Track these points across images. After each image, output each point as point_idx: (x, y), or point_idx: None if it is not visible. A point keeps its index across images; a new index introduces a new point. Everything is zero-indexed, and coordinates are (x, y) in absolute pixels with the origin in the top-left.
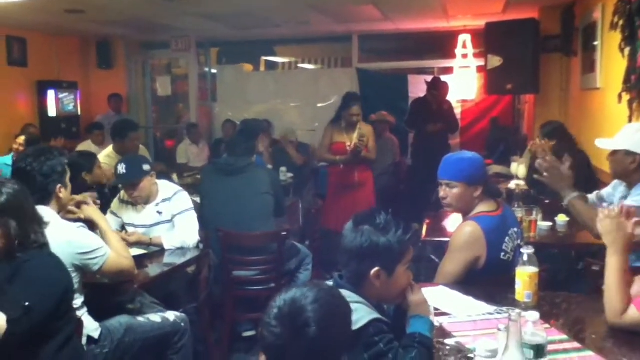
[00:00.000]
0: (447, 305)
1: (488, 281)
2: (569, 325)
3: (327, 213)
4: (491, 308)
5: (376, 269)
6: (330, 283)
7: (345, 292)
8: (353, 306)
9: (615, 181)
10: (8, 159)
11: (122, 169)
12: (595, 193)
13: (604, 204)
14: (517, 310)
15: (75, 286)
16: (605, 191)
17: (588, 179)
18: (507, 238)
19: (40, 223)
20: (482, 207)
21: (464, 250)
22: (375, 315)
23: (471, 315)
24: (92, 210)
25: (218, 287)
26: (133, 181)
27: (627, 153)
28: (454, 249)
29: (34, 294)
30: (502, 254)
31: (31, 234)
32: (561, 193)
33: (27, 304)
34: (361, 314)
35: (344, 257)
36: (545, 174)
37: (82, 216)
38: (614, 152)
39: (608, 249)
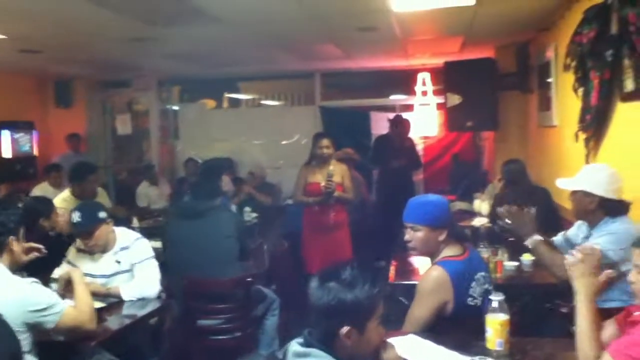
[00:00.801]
0: (419, 356)
1: (458, 328)
2: None
3: (307, 257)
4: (464, 358)
5: (346, 328)
6: (300, 340)
7: (315, 352)
8: None
9: (579, 221)
10: None
11: (76, 217)
12: (562, 234)
13: (575, 249)
14: None
15: (27, 347)
16: (570, 232)
17: (548, 216)
18: (473, 283)
19: None
20: (448, 252)
21: (431, 295)
22: None
23: None
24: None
25: (183, 337)
26: (88, 229)
27: (586, 194)
28: (422, 294)
29: None
30: (470, 299)
31: None
32: (524, 237)
33: None
34: None
35: (313, 315)
36: (507, 220)
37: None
38: (574, 192)
39: (578, 294)
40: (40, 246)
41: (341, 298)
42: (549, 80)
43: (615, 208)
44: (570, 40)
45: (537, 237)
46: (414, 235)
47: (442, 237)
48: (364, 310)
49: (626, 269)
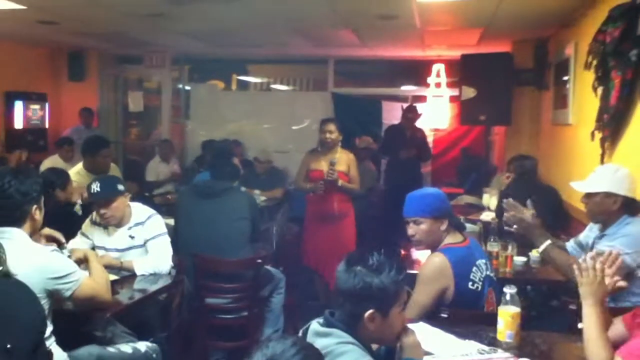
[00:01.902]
0: (430, 344)
1: (469, 318)
2: None
3: (307, 248)
4: (474, 348)
5: (370, 311)
6: (320, 320)
7: (337, 332)
8: (346, 347)
9: (590, 223)
10: None
11: (96, 186)
12: (572, 240)
13: (589, 254)
14: (506, 355)
15: (45, 313)
16: (582, 236)
17: (557, 215)
18: (474, 268)
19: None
20: (449, 239)
21: (432, 281)
22: (368, 357)
23: (455, 356)
24: (78, 252)
25: (190, 314)
26: (107, 198)
27: (608, 194)
28: (423, 280)
29: (13, 333)
30: (470, 283)
31: None
32: (535, 242)
33: (8, 346)
34: (354, 356)
35: (338, 298)
36: (514, 226)
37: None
38: (590, 195)
39: (586, 300)
40: (62, 240)
41: (367, 282)
42: (566, 78)
43: (635, 207)
44: (593, 39)
45: (548, 242)
46: (417, 228)
47: (443, 227)
48: (389, 295)
49: None
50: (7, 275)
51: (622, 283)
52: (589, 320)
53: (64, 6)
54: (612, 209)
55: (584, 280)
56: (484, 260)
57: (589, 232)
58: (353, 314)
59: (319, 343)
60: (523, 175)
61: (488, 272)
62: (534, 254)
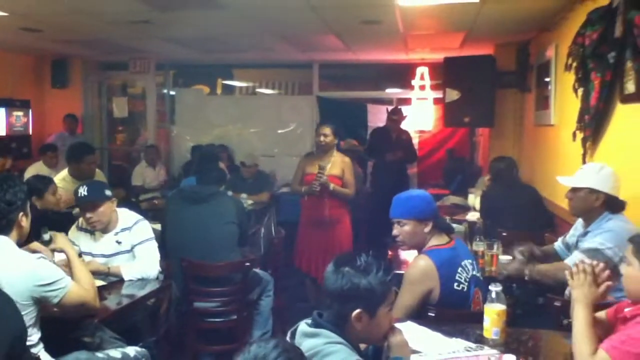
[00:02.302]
0: (417, 343)
1: (456, 317)
2: None
3: (299, 251)
4: (460, 345)
5: (358, 311)
6: (308, 321)
7: (325, 332)
8: (334, 347)
9: (577, 221)
10: None
11: (83, 190)
12: (560, 239)
13: (576, 262)
14: (493, 352)
15: (32, 321)
16: (569, 236)
17: (538, 214)
18: (459, 269)
19: None
20: (434, 241)
21: (417, 283)
22: (356, 357)
23: (442, 354)
24: (61, 240)
25: (179, 319)
26: (94, 202)
27: (591, 191)
28: (408, 282)
29: None
30: (456, 284)
31: None
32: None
33: None
34: (342, 356)
35: (326, 299)
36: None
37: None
38: (575, 190)
39: (577, 302)
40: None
41: (355, 283)
42: (548, 79)
43: (617, 205)
44: (573, 41)
45: (530, 267)
46: (401, 230)
47: (427, 229)
48: (376, 295)
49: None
50: None
51: (609, 283)
52: (578, 320)
53: (47, 14)
54: (595, 205)
55: (575, 284)
56: (470, 261)
57: (574, 231)
58: (341, 314)
59: (307, 343)
60: (499, 176)
61: (474, 272)
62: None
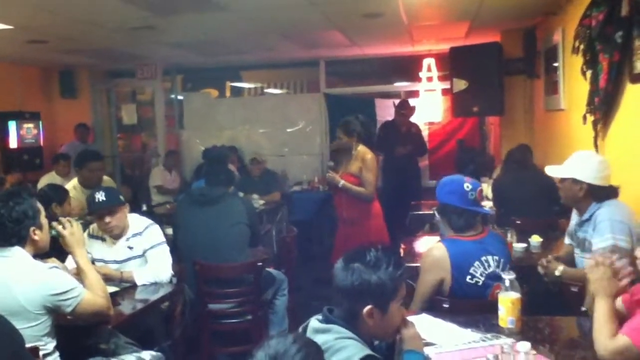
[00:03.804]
0: (432, 335)
1: (470, 307)
2: (554, 351)
3: (335, 249)
4: (476, 336)
5: (369, 307)
6: (319, 317)
7: (336, 328)
8: (345, 342)
9: (574, 211)
10: None
11: (100, 196)
12: (567, 231)
13: (590, 255)
14: (508, 341)
15: (47, 330)
16: (570, 226)
17: (551, 201)
18: (477, 262)
19: None
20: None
21: (429, 271)
22: (368, 351)
23: (457, 345)
24: (74, 243)
25: (193, 321)
26: (112, 207)
27: (575, 181)
28: (421, 270)
29: None
30: (469, 277)
31: None
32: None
33: None
34: (353, 351)
35: (337, 296)
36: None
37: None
38: (563, 180)
39: (597, 295)
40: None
41: (365, 279)
42: (556, 64)
43: (602, 194)
44: (579, 24)
45: (560, 267)
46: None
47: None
48: (387, 291)
49: None
50: None
51: (629, 270)
52: (599, 312)
53: (50, 25)
54: (578, 195)
55: (593, 277)
56: (496, 257)
57: (572, 221)
58: (352, 310)
59: (318, 339)
60: (511, 164)
61: (497, 270)
62: (535, 240)
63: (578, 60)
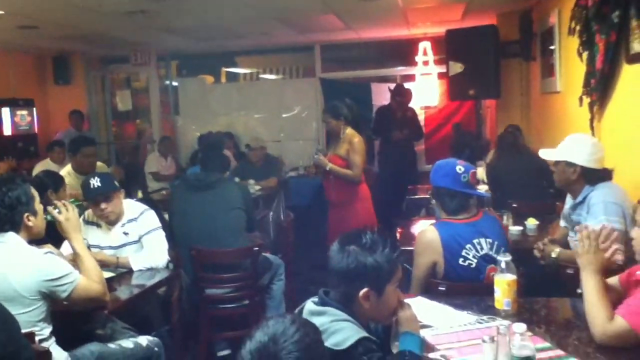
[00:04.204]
0: (428, 317)
1: (466, 290)
2: (550, 332)
3: (328, 231)
4: (472, 318)
5: (365, 290)
6: (315, 299)
7: (332, 310)
8: (340, 324)
9: (568, 194)
10: None
11: (96, 182)
12: (562, 214)
13: (576, 228)
14: (504, 322)
15: (42, 315)
16: (564, 209)
17: (547, 184)
18: (469, 245)
19: None
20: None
21: (421, 255)
22: (364, 333)
23: (453, 327)
24: (69, 227)
25: (190, 307)
26: (107, 194)
27: (568, 164)
28: (415, 254)
29: None
30: (462, 259)
31: None
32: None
33: None
34: (349, 333)
35: (332, 279)
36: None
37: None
38: (557, 163)
39: (583, 269)
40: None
41: (361, 261)
42: (552, 47)
43: (596, 177)
44: (575, 4)
45: (556, 250)
46: None
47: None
48: (384, 273)
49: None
50: None
51: (618, 256)
52: (588, 287)
53: (41, 10)
54: (572, 178)
55: (580, 250)
56: (489, 240)
57: (567, 205)
58: (347, 293)
59: (314, 322)
60: (503, 146)
61: (491, 252)
62: (531, 222)
63: (574, 42)
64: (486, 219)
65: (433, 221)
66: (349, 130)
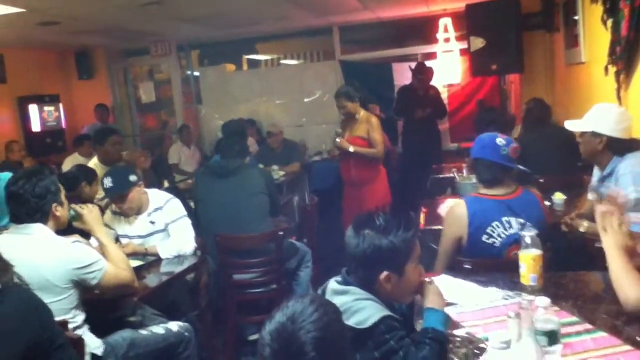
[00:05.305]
0: (453, 295)
1: (491, 266)
2: (578, 307)
3: (344, 212)
4: (498, 294)
5: (385, 273)
6: (338, 278)
7: (353, 289)
8: (363, 303)
9: (595, 167)
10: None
11: (108, 182)
12: (589, 187)
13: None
14: (528, 297)
15: (75, 303)
16: (592, 182)
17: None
18: (496, 222)
19: (6, 263)
20: (484, 189)
21: (447, 227)
22: (386, 312)
23: (478, 304)
24: (92, 221)
25: (218, 292)
26: (120, 193)
27: (594, 134)
28: (443, 226)
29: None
30: (485, 236)
31: (0, 276)
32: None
33: None
34: (371, 312)
35: (351, 264)
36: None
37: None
38: (583, 134)
39: (606, 244)
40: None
41: (377, 244)
42: (576, 17)
43: (623, 147)
44: None
45: (585, 224)
46: None
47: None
48: (401, 254)
49: None
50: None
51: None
52: (612, 262)
53: (59, 6)
54: (598, 148)
55: (601, 225)
56: (521, 220)
57: (594, 177)
58: (368, 277)
59: (337, 301)
60: (529, 120)
61: (521, 232)
62: (557, 197)
63: (598, 10)
64: (524, 198)
65: (455, 200)
66: (363, 111)
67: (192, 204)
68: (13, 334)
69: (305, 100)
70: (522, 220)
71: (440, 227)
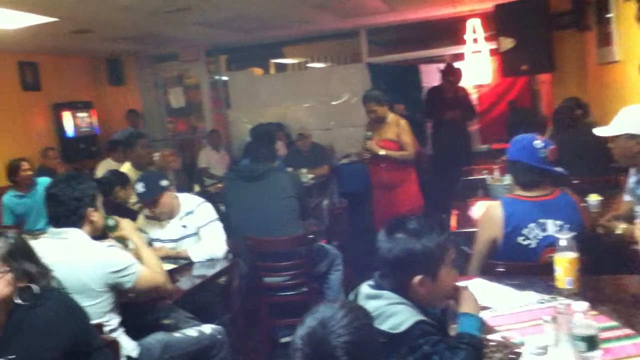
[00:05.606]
0: (487, 299)
1: (526, 269)
2: (617, 311)
3: (375, 215)
4: (533, 298)
5: (419, 277)
6: (371, 282)
7: (387, 294)
8: (397, 307)
9: (631, 169)
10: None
11: (140, 187)
12: (625, 188)
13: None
14: (565, 301)
15: (110, 306)
16: (628, 184)
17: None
18: (532, 224)
19: (46, 268)
20: (520, 191)
21: (482, 229)
22: (420, 316)
23: (513, 307)
24: (126, 226)
25: (250, 295)
26: (152, 199)
27: (629, 136)
28: (478, 226)
29: (27, 347)
30: (521, 238)
31: (40, 279)
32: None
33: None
34: (405, 316)
35: (384, 268)
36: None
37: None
38: (615, 138)
39: None
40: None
41: (410, 248)
42: (608, 15)
43: None
44: None
45: (621, 226)
46: None
47: None
48: (435, 257)
49: None
50: (51, 290)
51: None
52: None
53: (91, 14)
54: (634, 150)
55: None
56: (558, 222)
57: (630, 179)
58: (401, 281)
59: (370, 305)
60: (561, 122)
61: (557, 235)
62: (593, 198)
63: (632, 7)
64: (561, 200)
65: (491, 202)
66: (391, 114)
67: (222, 208)
68: (53, 337)
69: (333, 103)
70: (560, 223)
71: (471, 229)
